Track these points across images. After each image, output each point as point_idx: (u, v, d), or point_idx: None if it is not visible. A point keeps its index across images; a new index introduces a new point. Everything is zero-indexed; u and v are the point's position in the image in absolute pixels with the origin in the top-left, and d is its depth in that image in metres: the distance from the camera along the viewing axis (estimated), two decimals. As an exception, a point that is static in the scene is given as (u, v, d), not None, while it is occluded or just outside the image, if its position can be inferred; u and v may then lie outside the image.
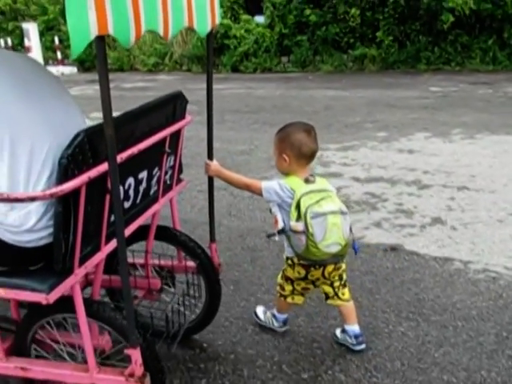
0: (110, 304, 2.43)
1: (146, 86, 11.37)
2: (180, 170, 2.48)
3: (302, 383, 2.28)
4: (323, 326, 2.66)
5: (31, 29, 14.18)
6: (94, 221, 1.80)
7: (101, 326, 1.92)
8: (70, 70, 14.49)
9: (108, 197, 1.80)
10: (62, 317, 1.93)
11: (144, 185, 2.13)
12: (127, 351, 1.75)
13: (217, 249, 2.55)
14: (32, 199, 1.60)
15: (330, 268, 2.33)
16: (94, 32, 1.32)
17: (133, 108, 1.97)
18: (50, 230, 1.71)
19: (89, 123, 2.00)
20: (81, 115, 2.00)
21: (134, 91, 10.56)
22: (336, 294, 2.42)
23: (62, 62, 14.72)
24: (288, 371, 2.36)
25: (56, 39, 14.88)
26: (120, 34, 1.40)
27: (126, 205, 2.02)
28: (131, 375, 1.77)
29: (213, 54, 2.31)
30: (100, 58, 1.42)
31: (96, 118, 6.33)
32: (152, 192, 2.24)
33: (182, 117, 2.34)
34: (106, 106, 1.46)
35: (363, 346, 2.44)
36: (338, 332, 2.52)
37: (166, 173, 2.30)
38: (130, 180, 2.00)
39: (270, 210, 2.33)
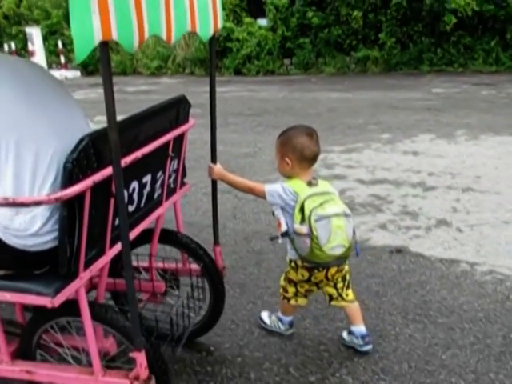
0: (115, 307, 2.44)
1: (149, 90, 11.39)
2: (184, 174, 2.49)
3: (309, 386, 2.28)
4: (330, 329, 2.65)
5: (35, 33, 14.24)
6: (99, 224, 1.81)
7: (105, 329, 1.92)
8: (73, 73, 14.53)
9: (112, 201, 1.80)
10: (67, 320, 1.93)
11: (148, 188, 2.13)
12: (132, 354, 1.75)
13: (221, 252, 2.54)
14: (37, 203, 1.61)
15: (333, 270, 2.33)
16: (97, 37, 1.33)
17: (136, 112, 1.98)
18: (55, 233, 1.71)
19: (93, 127, 2.01)
20: (84, 119, 2.01)
21: (137, 94, 10.58)
22: (340, 295, 2.42)
23: (65, 66, 14.77)
24: (295, 374, 2.35)
25: (59, 43, 14.93)
26: (124, 39, 1.41)
27: (131, 208, 2.02)
28: (136, 378, 1.78)
29: (216, 57, 2.31)
30: (104, 63, 1.43)
31: (100, 121, 6.34)
32: (156, 196, 2.24)
33: (186, 121, 2.35)
34: (111, 111, 1.47)
35: (370, 347, 2.43)
36: (344, 334, 2.51)
37: (169, 176, 2.31)
38: (134, 184, 2.01)
39: (273, 213, 2.34)
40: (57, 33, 16.08)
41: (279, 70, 13.10)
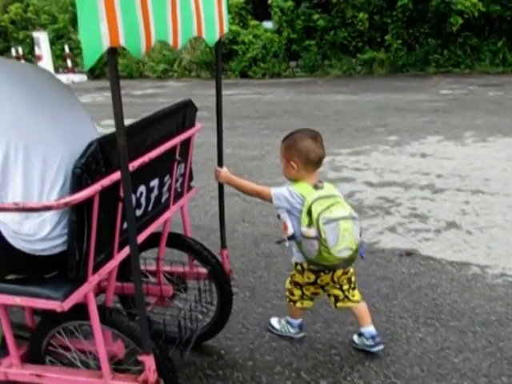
0: (123, 311, 2.44)
1: (155, 93, 11.42)
2: (190, 178, 2.49)
3: (320, 391, 2.26)
4: (341, 332, 2.63)
5: (41, 37, 14.31)
6: (107, 229, 1.81)
7: (114, 332, 1.92)
8: (80, 77, 14.59)
9: (120, 205, 1.81)
10: (76, 324, 1.94)
11: (155, 192, 2.14)
12: (141, 358, 1.75)
13: (228, 255, 2.54)
14: (47, 208, 1.61)
15: (339, 272, 2.34)
16: (105, 44, 1.35)
17: (144, 117, 1.99)
18: (64, 238, 1.71)
19: (100, 131, 2.01)
20: (92, 123, 2.02)
21: (144, 98, 10.60)
22: (346, 297, 2.42)
23: (72, 70, 14.83)
24: (307, 378, 2.33)
25: (66, 47, 15.01)
26: (131, 45, 1.42)
27: (138, 212, 2.03)
28: (145, 381, 1.78)
29: (221, 60, 2.31)
30: (112, 69, 1.44)
31: (107, 125, 6.36)
32: (163, 200, 2.25)
33: (192, 125, 2.36)
34: (119, 116, 1.48)
35: (381, 347, 2.42)
36: (355, 338, 2.50)
37: (176, 180, 2.31)
38: (142, 188, 2.01)
39: (279, 216, 2.34)
40: (63, 37, 16.17)
41: (285, 73, 13.09)
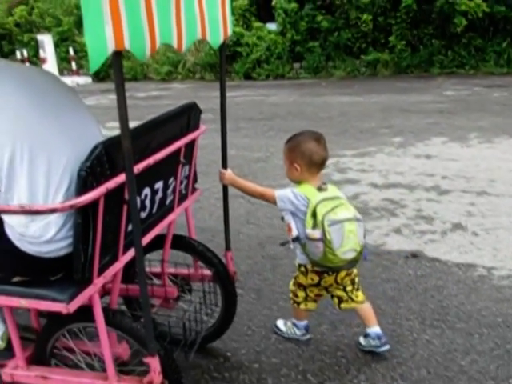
0: (128, 313, 2.44)
1: (159, 95, 11.44)
2: (195, 180, 2.49)
3: (326, 393, 2.25)
4: (347, 335, 2.62)
5: (46, 40, 14.36)
6: (112, 231, 1.81)
7: (119, 334, 1.92)
8: (84, 80, 14.64)
9: (125, 207, 1.81)
10: (81, 326, 1.94)
11: (160, 195, 2.14)
12: (146, 359, 1.75)
13: (232, 257, 2.53)
14: (52, 211, 1.62)
15: (342, 274, 2.35)
16: (111, 47, 1.35)
17: (148, 119, 2.00)
18: (70, 240, 1.72)
19: (105, 133, 2.01)
20: (97, 126, 2.02)
21: (148, 100, 10.62)
22: (350, 298, 2.42)
23: (76, 73, 14.88)
24: (313, 380, 2.32)
25: (70, 50, 15.06)
26: (136, 48, 1.43)
27: (143, 215, 2.03)
28: (150, 383, 1.77)
29: (225, 62, 2.31)
30: (117, 72, 1.44)
31: (112, 127, 6.37)
32: (168, 202, 2.25)
33: (197, 127, 2.36)
34: (123, 119, 1.48)
35: (388, 347, 2.42)
36: (361, 339, 2.49)
37: (181, 182, 2.31)
38: (147, 190, 2.01)
39: (282, 218, 2.34)
40: (68, 39, 16.22)
41: (289, 74, 13.08)
